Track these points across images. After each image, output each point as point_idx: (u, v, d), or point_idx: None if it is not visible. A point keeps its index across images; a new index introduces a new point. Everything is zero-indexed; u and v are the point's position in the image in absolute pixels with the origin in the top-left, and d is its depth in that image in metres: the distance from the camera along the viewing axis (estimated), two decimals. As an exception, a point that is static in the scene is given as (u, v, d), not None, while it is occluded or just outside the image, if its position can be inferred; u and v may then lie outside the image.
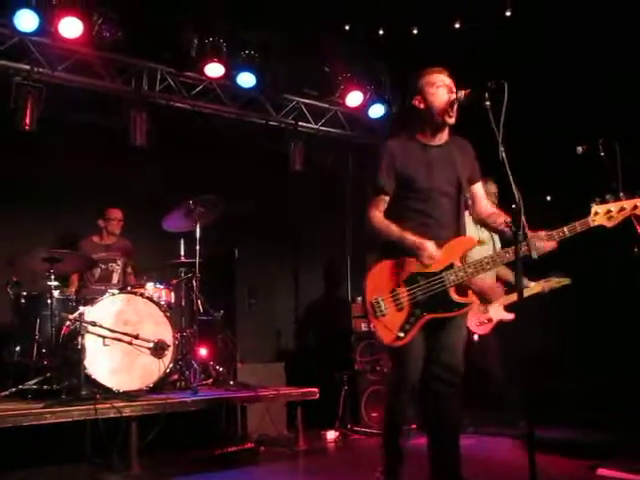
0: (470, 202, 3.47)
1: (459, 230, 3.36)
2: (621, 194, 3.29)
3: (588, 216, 3.20)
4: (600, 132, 4.19)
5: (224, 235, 6.61)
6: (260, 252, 7.16)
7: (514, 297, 5.12)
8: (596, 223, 3.19)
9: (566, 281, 5.30)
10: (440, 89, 3.27)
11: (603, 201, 3.22)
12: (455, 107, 3.25)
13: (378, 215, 3.33)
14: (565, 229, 3.19)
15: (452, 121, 3.29)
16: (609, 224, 3.19)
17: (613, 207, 3.18)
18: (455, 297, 3.22)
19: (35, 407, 4.28)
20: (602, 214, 3.19)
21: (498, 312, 5.28)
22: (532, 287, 5.21)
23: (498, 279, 5.33)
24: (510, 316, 5.26)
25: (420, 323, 3.21)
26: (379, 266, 3.32)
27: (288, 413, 5.76)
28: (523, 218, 2.82)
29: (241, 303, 6.66)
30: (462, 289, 3.27)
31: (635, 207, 3.19)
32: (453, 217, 3.35)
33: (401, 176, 3.32)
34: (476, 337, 5.21)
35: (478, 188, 3.45)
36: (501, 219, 3.28)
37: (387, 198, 3.35)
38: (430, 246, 3.18)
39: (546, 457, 4.11)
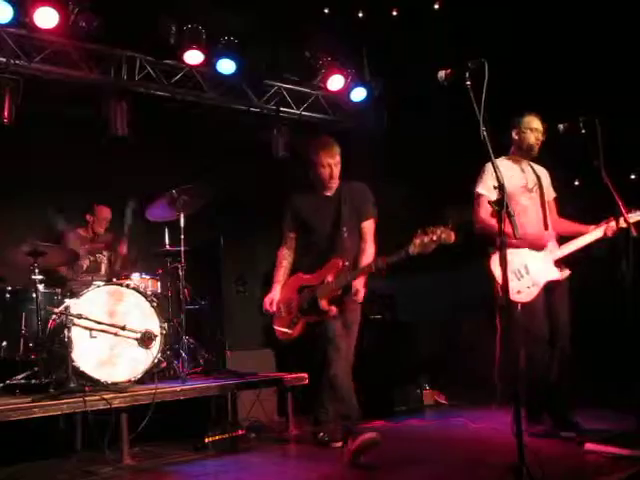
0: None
1: (341, 254, 4.30)
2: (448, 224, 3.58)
3: (409, 246, 3.77)
4: (581, 110, 4.22)
5: (209, 223, 6.59)
6: (246, 239, 7.14)
7: (567, 249, 4.39)
8: (415, 252, 3.77)
9: (638, 217, 4.22)
10: (325, 169, 4.40)
11: (424, 232, 3.69)
12: (333, 180, 4.47)
13: (281, 251, 4.69)
14: (391, 257, 3.96)
15: (332, 185, 4.49)
16: (425, 251, 3.71)
17: (426, 238, 3.66)
18: (321, 305, 4.21)
19: (23, 401, 4.24)
20: (419, 244, 3.70)
21: (546, 271, 4.33)
22: (591, 232, 4.38)
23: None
24: (564, 274, 4.38)
25: (300, 323, 4.39)
26: (289, 279, 4.61)
27: (278, 399, 5.77)
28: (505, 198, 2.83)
29: (228, 291, 6.64)
30: (331, 300, 4.25)
31: (439, 237, 3.64)
32: (334, 246, 4.37)
33: (301, 220, 4.54)
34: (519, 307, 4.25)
35: (365, 226, 4.46)
36: (368, 261, 4.27)
37: (291, 235, 4.66)
38: (271, 295, 4.61)
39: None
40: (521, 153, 4.59)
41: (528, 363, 4.12)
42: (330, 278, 4.23)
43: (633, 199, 4.24)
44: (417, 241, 3.72)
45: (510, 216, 2.88)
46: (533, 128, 4.51)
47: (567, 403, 4.38)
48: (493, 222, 4.20)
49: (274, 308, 4.52)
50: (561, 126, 4.35)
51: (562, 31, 5.92)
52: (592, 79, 5.79)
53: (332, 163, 4.40)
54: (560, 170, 4.73)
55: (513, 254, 4.21)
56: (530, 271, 4.30)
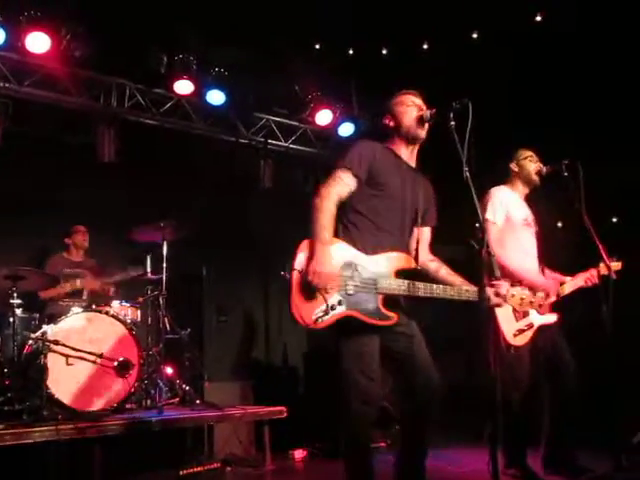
0: (415, 244, 3.36)
1: (405, 247, 3.29)
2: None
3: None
4: (564, 153, 4.27)
5: (192, 253, 6.57)
6: (229, 270, 7.12)
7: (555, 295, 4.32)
8: (508, 304, 3.19)
9: (617, 266, 4.28)
10: (410, 108, 3.33)
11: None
12: (425, 123, 3.29)
13: (328, 202, 3.10)
14: None
15: (423, 134, 3.31)
16: (519, 309, 3.27)
17: (525, 297, 3.20)
18: (380, 306, 3.07)
19: (-5, 428, 4.18)
20: (517, 298, 3.19)
21: (541, 315, 4.23)
22: (568, 284, 4.38)
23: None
24: (553, 318, 4.29)
25: (338, 316, 3.00)
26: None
27: (256, 432, 5.70)
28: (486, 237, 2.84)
29: (209, 321, 6.60)
30: (390, 302, 3.11)
31: (540, 304, 3.25)
32: (404, 233, 3.30)
33: (375, 174, 3.23)
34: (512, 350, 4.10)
35: (426, 232, 3.42)
36: (443, 270, 3.30)
37: (352, 183, 3.19)
38: (326, 272, 2.96)
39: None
40: (523, 183, 4.44)
41: (506, 407, 3.87)
42: (394, 274, 3.13)
43: (615, 242, 4.27)
44: (515, 291, 3.13)
45: (490, 255, 2.86)
46: (530, 155, 4.42)
47: (566, 443, 4.28)
48: (499, 251, 3.94)
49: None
50: (544, 169, 4.39)
51: (543, 77, 6.05)
52: (576, 122, 5.89)
53: (420, 104, 3.32)
54: (543, 212, 4.75)
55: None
56: (528, 312, 4.12)
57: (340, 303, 3.00)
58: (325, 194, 3.11)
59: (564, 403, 4.25)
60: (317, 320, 2.96)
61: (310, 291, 2.96)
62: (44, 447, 4.40)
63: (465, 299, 3.18)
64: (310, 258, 2.98)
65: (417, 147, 3.40)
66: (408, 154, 3.39)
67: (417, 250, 3.31)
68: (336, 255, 3.05)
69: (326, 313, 2.97)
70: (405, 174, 3.32)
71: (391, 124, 3.39)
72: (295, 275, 2.99)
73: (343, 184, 3.17)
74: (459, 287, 3.20)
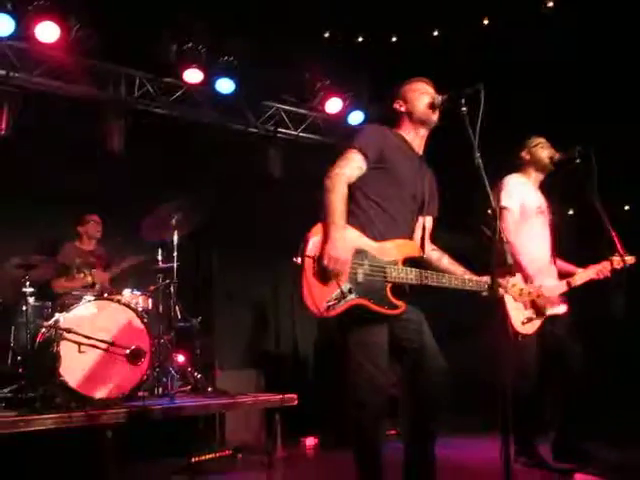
0: (421, 232, 3.31)
1: (411, 235, 3.25)
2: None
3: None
4: (577, 139, 4.24)
5: (203, 241, 6.58)
6: (239, 258, 7.12)
7: (565, 286, 4.34)
8: (508, 294, 3.25)
9: (630, 260, 4.24)
10: (422, 95, 3.28)
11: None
12: (437, 108, 3.24)
13: (339, 183, 3.01)
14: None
15: (435, 119, 3.25)
16: (517, 300, 3.29)
17: (525, 288, 3.25)
18: (389, 295, 3.02)
19: (8, 416, 4.21)
20: (517, 288, 3.25)
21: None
22: (579, 275, 4.36)
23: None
24: (562, 309, 4.32)
25: (350, 304, 2.94)
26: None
27: (267, 420, 5.72)
28: (499, 224, 2.81)
29: (220, 309, 6.61)
30: (397, 291, 3.06)
31: (538, 295, 3.29)
32: (410, 221, 3.25)
33: (384, 158, 3.15)
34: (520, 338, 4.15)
35: (429, 222, 3.37)
36: (445, 260, 3.29)
37: (361, 163, 3.11)
38: (343, 258, 2.89)
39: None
40: (535, 171, 4.45)
41: (514, 396, 3.99)
42: (400, 263, 3.08)
43: (627, 230, 4.24)
44: (516, 280, 3.22)
45: (503, 243, 2.84)
46: (541, 142, 4.43)
47: (575, 431, 4.27)
48: (516, 241, 4.10)
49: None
50: (556, 155, 4.36)
51: (557, 62, 6.00)
52: (588, 109, 5.85)
53: (432, 92, 3.26)
54: (554, 199, 4.73)
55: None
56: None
57: (351, 291, 2.94)
58: (335, 175, 3.04)
59: (573, 387, 4.24)
60: (329, 308, 2.90)
61: (324, 277, 2.89)
62: (56, 434, 4.45)
63: (469, 289, 3.19)
64: (324, 241, 2.91)
65: (427, 132, 3.35)
66: (418, 140, 3.33)
67: (423, 239, 3.28)
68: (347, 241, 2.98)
69: (339, 300, 2.91)
70: (413, 161, 3.28)
71: (402, 109, 3.33)
72: (307, 262, 2.91)
73: (353, 165, 3.10)
74: (462, 277, 3.20)
